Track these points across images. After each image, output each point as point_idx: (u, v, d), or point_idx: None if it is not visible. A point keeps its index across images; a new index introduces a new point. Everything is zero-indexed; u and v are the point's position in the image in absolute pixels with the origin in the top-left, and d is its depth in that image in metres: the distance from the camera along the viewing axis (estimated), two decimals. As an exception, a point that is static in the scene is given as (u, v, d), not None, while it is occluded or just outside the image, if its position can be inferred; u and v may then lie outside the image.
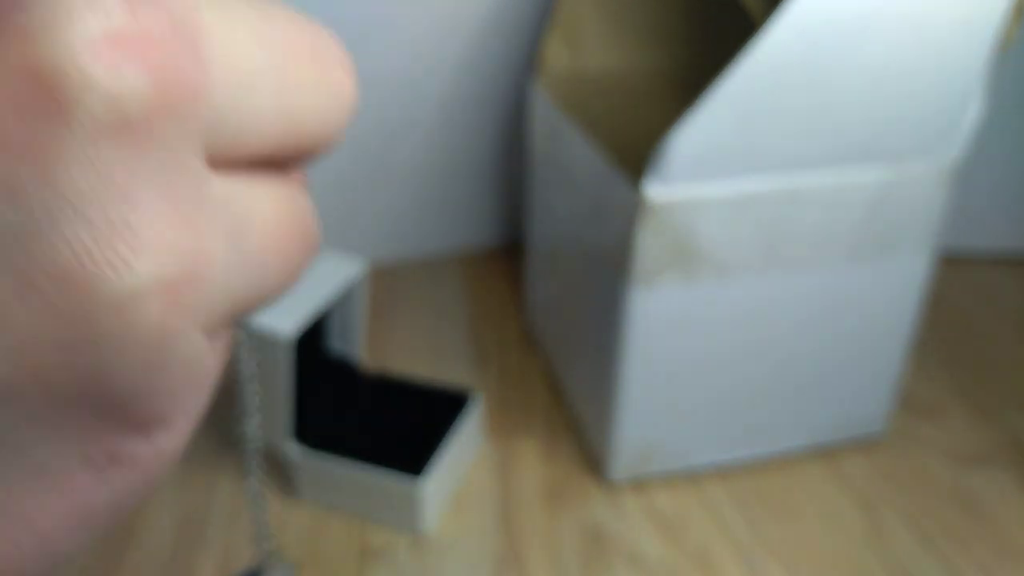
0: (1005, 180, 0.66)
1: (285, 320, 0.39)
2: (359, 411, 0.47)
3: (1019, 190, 0.66)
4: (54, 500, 0.12)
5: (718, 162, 0.37)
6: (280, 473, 0.47)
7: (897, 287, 0.44)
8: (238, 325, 0.29)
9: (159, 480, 0.13)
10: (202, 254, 0.11)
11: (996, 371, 0.56)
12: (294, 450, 0.43)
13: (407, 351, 0.58)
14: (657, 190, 0.37)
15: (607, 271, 0.42)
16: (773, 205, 0.39)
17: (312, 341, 0.47)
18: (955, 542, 0.43)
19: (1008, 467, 0.48)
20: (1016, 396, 0.54)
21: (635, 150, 0.41)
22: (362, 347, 0.50)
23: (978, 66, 0.38)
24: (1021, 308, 0.64)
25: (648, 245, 0.38)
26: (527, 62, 0.62)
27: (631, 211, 0.38)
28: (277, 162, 0.13)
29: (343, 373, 0.49)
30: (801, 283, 0.42)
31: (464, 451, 0.47)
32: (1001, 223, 0.68)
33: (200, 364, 0.12)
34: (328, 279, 0.42)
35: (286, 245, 0.13)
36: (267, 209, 0.13)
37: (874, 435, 0.49)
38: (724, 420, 0.45)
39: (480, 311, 0.63)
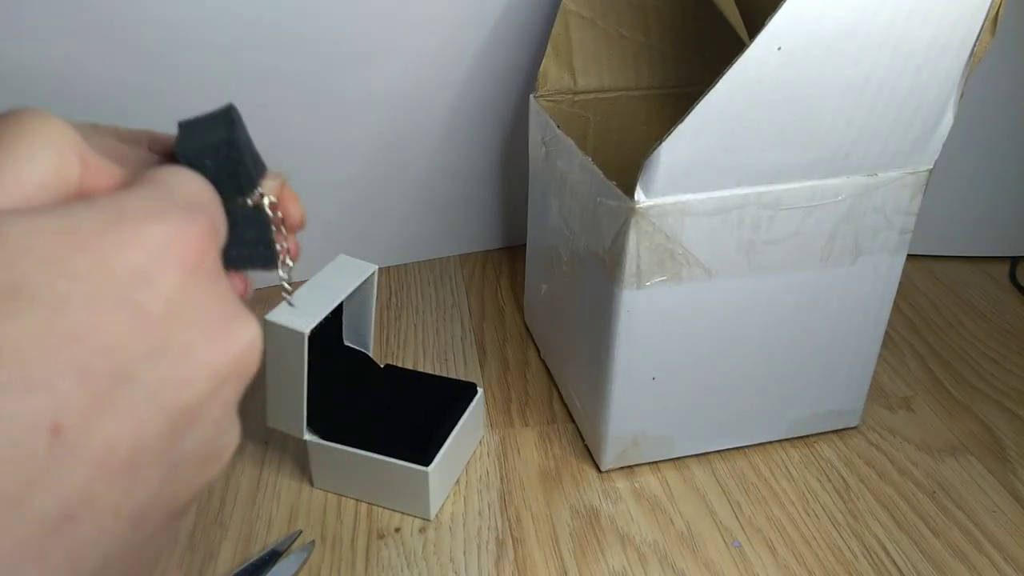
0: (972, 187, 0.68)
1: (302, 317, 0.41)
2: (371, 402, 0.50)
3: (986, 196, 0.68)
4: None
5: (701, 174, 0.39)
6: (297, 460, 0.49)
7: (871, 287, 0.46)
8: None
9: None
10: None
11: (967, 363, 0.59)
12: (311, 439, 0.45)
13: (415, 346, 0.61)
14: (645, 200, 0.39)
15: (600, 273, 0.44)
16: (752, 214, 0.41)
17: (328, 338, 0.49)
18: (929, 527, 0.45)
19: (979, 456, 0.50)
20: (985, 387, 0.56)
21: (625, 163, 0.43)
22: (374, 343, 0.52)
23: (953, 79, 0.39)
24: (989, 302, 0.66)
25: (637, 250, 0.40)
26: (527, 80, 0.64)
27: (622, 219, 0.40)
28: None
29: (356, 367, 0.51)
30: (780, 285, 0.44)
31: (467, 440, 0.49)
32: (966, 229, 0.70)
33: None
34: (342, 280, 0.45)
35: None
36: None
37: (850, 426, 0.52)
38: (709, 413, 0.48)
39: (482, 309, 0.65)
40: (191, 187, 0.19)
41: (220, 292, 0.18)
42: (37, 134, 0.17)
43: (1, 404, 0.14)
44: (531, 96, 0.54)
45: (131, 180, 0.19)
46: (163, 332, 0.16)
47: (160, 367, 0.16)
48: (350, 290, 0.44)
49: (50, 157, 0.17)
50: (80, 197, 0.18)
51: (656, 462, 0.49)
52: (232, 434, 0.19)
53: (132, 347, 0.16)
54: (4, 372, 0.14)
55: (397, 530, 0.45)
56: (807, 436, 0.51)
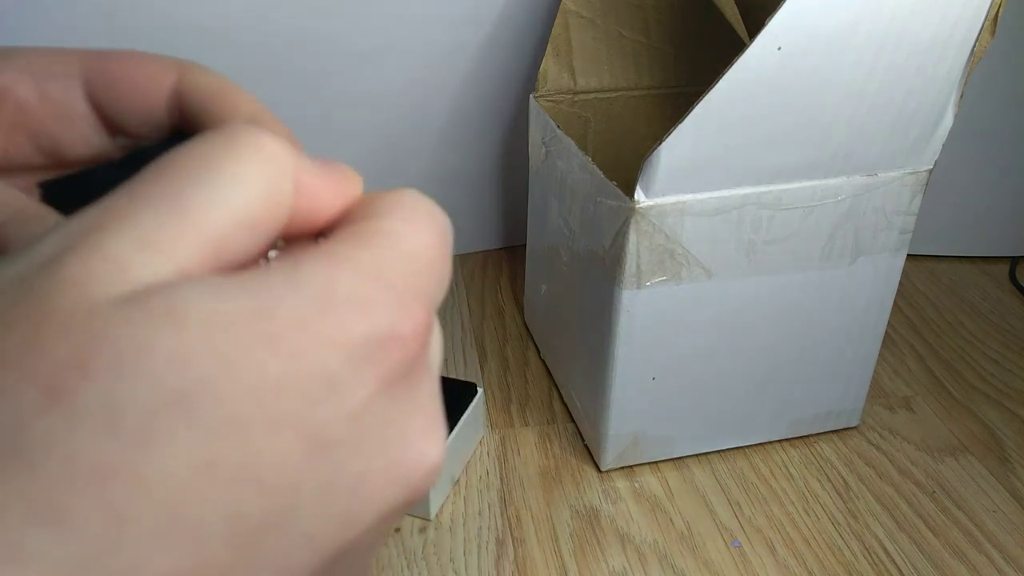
0: (972, 187, 0.68)
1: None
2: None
3: (986, 196, 0.69)
4: None
5: (701, 174, 0.39)
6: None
7: (871, 287, 0.46)
8: None
9: None
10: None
11: (967, 363, 0.59)
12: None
13: (414, 347, 0.61)
14: (645, 200, 0.39)
15: (600, 273, 0.44)
16: (752, 213, 0.41)
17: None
18: (929, 527, 0.45)
19: (979, 456, 0.50)
20: (985, 387, 0.57)
21: (625, 163, 0.43)
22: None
23: (953, 79, 0.39)
24: (989, 302, 0.66)
25: (637, 250, 0.41)
26: (527, 81, 0.64)
27: (622, 219, 0.40)
28: None
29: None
30: (780, 285, 0.44)
31: (468, 440, 0.49)
32: (966, 229, 0.70)
33: None
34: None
35: None
36: None
37: (850, 426, 0.52)
38: (709, 413, 0.48)
39: (482, 309, 0.65)
40: (426, 243, 0.15)
41: (415, 405, 0.15)
42: (241, 156, 0.13)
43: (131, 557, 0.11)
44: (531, 96, 0.54)
45: (362, 210, 0.15)
46: (336, 460, 0.13)
47: (323, 506, 0.13)
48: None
49: (256, 185, 0.13)
50: (286, 251, 0.14)
51: (656, 462, 0.49)
52: (373, 558, 0.16)
53: (298, 483, 0.12)
54: (147, 515, 0.11)
55: (397, 530, 0.45)
56: (807, 436, 0.52)
